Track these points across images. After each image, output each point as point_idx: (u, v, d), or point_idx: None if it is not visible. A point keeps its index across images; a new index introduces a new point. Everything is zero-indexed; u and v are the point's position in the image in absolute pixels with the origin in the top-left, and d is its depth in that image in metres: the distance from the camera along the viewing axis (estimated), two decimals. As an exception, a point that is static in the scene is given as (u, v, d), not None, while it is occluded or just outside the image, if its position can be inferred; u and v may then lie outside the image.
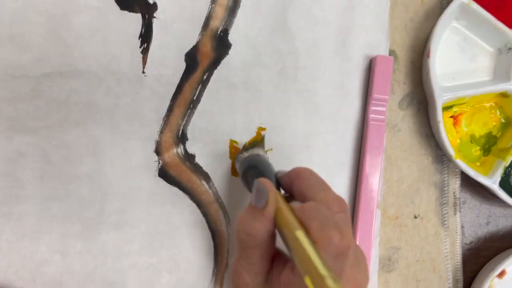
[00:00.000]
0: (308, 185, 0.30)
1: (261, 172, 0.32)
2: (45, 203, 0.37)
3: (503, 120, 0.42)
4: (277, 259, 0.29)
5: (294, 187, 0.30)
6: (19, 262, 0.37)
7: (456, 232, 0.42)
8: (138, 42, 0.38)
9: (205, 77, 0.39)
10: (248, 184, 0.33)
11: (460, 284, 0.42)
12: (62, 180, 0.38)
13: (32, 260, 0.37)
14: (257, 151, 0.35)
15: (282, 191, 0.32)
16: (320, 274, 0.23)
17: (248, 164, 0.34)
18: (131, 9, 0.38)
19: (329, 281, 0.23)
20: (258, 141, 0.37)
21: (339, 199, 0.29)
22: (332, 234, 0.26)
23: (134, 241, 0.38)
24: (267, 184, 0.29)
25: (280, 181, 0.32)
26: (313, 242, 0.25)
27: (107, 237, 0.38)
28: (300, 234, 0.25)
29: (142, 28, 0.38)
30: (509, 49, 0.40)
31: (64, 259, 0.37)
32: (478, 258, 0.42)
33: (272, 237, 0.28)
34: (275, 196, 0.28)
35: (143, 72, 0.38)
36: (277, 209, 0.28)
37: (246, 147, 0.36)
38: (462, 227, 0.42)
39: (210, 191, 0.39)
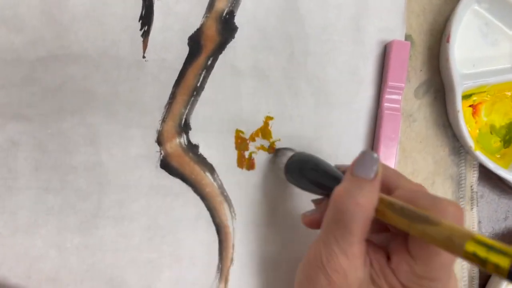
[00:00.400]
0: (387, 174, 0.28)
1: (323, 166, 0.31)
2: (40, 195, 0.36)
3: (524, 110, 0.39)
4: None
5: None
6: (13, 258, 0.35)
7: (473, 227, 0.40)
8: (138, 25, 0.36)
9: (209, 62, 0.37)
10: (298, 179, 0.32)
11: (476, 282, 0.40)
12: (58, 171, 0.36)
13: (27, 256, 0.35)
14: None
15: None
16: (479, 237, 0.21)
17: (305, 159, 0.32)
18: (130, -11, 0.36)
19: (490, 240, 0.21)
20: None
21: (420, 184, 0.28)
22: (448, 206, 0.24)
23: (133, 236, 0.36)
24: (377, 155, 0.26)
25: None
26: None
27: (105, 231, 0.36)
28: (426, 211, 0.24)
29: (142, 9, 0.36)
30: (534, 34, 0.38)
31: (61, 255, 0.36)
32: (495, 255, 0.40)
33: (372, 215, 0.26)
34: (383, 168, 0.27)
35: (144, 57, 0.36)
36: None
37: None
38: (479, 222, 0.40)
39: (214, 183, 0.37)
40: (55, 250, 0.36)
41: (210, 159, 0.37)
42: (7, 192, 0.35)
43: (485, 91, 0.38)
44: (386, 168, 0.29)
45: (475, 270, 0.40)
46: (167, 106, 0.36)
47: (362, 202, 0.25)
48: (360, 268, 0.25)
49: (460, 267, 0.40)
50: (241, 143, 0.37)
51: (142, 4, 0.36)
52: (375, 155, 0.26)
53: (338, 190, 0.26)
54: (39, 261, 0.36)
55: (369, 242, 0.27)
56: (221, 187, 0.37)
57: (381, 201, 0.25)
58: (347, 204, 0.25)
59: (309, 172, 0.31)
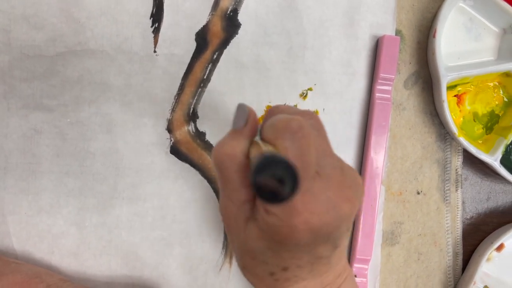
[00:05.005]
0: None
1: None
2: (62, 178, 0.39)
3: (505, 99, 0.42)
4: None
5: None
6: (37, 235, 0.39)
7: (457, 208, 0.43)
8: (149, 22, 0.39)
9: (215, 56, 0.40)
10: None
11: (460, 257, 0.43)
12: (77, 156, 0.39)
13: (50, 233, 0.39)
14: None
15: None
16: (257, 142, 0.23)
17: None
18: (142, -11, 0.39)
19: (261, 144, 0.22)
20: None
21: (306, 112, 0.27)
22: (280, 119, 0.25)
23: (147, 215, 0.40)
24: (248, 107, 0.28)
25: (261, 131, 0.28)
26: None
27: (121, 211, 0.39)
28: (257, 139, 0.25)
29: (153, 7, 0.39)
30: (514, 29, 0.41)
31: (81, 232, 0.39)
32: (477, 232, 0.44)
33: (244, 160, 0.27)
34: (254, 117, 0.28)
35: (155, 52, 0.39)
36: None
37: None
38: (463, 202, 0.44)
39: (220, 167, 0.40)
40: (75, 228, 0.39)
41: (216, 145, 0.40)
42: (31, 176, 0.39)
43: (468, 82, 0.41)
44: (284, 108, 0.29)
45: (459, 246, 0.43)
46: (176, 97, 0.40)
47: (230, 150, 0.26)
48: (248, 211, 0.26)
49: (446, 243, 0.43)
50: (244, 130, 0.40)
51: (153, 3, 0.39)
52: (246, 107, 0.27)
53: (216, 144, 0.27)
54: (61, 238, 0.39)
55: None
56: (226, 171, 0.40)
57: (251, 146, 0.27)
58: (219, 155, 0.26)
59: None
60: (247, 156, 0.26)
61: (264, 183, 0.19)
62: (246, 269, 0.28)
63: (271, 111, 0.29)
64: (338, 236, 0.26)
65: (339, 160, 0.26)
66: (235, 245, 0.28)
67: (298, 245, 0.25)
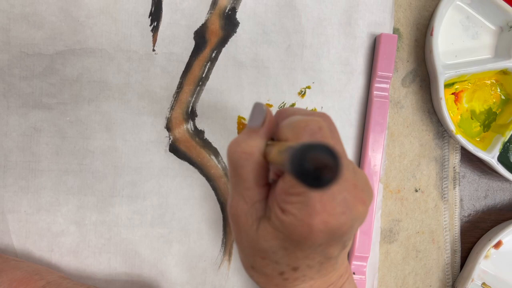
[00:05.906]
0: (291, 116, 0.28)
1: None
2: (61, 176, 0.39)
3: (503, 97, 0.43)
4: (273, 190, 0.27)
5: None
6: (37, 233, 0.39)
7: (455, 205, 0.43)
8: (148, 21, 0.39)
9: (213, 55, 0.40)
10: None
11: (458, 254, 0.44)
12: (76, 154, 0.39)
13: (49, 231, 0.39)
14: None
15: None
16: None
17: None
18: (141, -12, 0.39)
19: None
20: None
21: (318, 113, 0.27)
22: (299, 119, 0.25)
23: (146, 213, 0.40)
24: (266, 106, 0.28)
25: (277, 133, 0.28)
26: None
27: (120, 209, 0.40)
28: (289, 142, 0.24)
29: (151, 6, 0.39)
30: (511, 27, 0.41)
31: (80, 230, 0.39)
32: (475, 230, 0.44)
33: (266, 161, 0.27)
34: (271, 117, 0.28)
35: (153, 50, 0.39)
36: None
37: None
38: (461, 200, 0.44)
39: (219, 165, 0.40)
40: (75, 226, 0.39)
41: (214, 143, 0.40)
42: (31, 174, 0.39)
43: (465, 80, 0.42)
44: (295, 111, 0.29)
45: (457, 244, 0.44)
46: (175, 95, 0.40)
47: (247, 148, 0.26)
48: (260, 211, 0.27)
49: (444, 240, 0.43)
50: (242, 128, 0.41)
51: (152, 1, 0.39)
52: (263, 107, 0.27)
53: (230, 142, 0.27)
54: (60, 236, 0.39)
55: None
56: (225, 169, 0.41)
57: (268, 145, 0.27)
58: (234, 152, 0.26)
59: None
60: (263, 155, 0.26)
61: (310, 167, 0.18)
62: (254, 269, 0.28)
63: (281, 113, 0.29)
64: (350, 236, 0.26)
65: (351, 162, 0.27)
66: (244, 245, 0.28)
67: (313, 245, 0.25)
